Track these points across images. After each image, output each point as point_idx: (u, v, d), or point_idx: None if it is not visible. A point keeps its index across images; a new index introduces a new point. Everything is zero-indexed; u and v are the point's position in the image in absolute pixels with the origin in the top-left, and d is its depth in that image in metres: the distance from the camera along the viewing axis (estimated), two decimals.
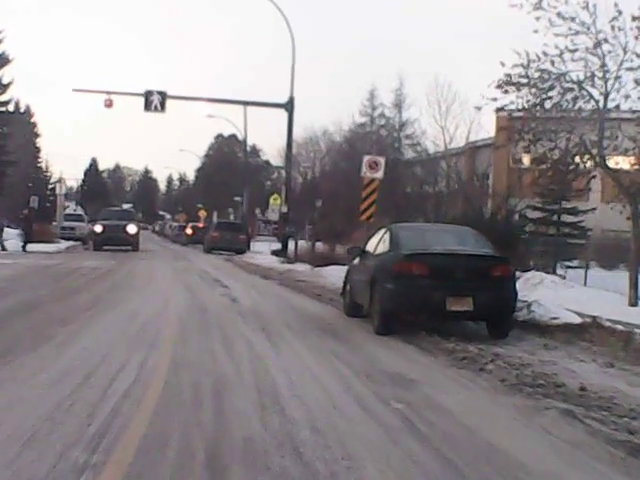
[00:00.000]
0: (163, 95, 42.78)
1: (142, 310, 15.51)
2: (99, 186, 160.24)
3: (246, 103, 46.82)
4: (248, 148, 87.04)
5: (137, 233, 46.62)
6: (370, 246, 16.12)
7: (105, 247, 46.13)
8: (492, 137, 46.06)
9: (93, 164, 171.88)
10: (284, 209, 43.89)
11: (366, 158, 24.44)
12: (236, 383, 8.79)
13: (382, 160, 24.43)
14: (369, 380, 9.48)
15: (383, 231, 15.89)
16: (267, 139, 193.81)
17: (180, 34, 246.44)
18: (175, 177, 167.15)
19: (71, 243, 49.13)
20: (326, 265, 29.96)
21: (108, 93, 42.78)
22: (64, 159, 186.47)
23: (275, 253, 44.46)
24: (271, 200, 55.37)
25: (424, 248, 14.28)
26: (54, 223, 54.10)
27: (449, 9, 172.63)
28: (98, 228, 46.01)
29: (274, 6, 42.02)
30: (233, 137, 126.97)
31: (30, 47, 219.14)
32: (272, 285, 25.31)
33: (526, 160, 28.19)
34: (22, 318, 13.60)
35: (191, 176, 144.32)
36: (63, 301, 16.76)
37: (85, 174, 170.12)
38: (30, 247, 41.17)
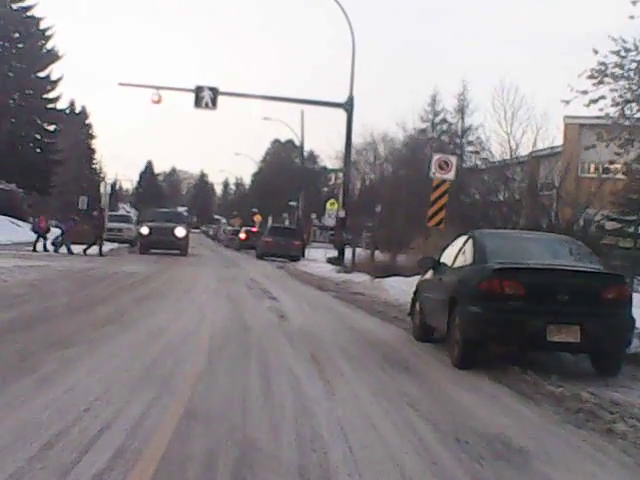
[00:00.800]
0: (214, 91, 40.25)
1: (168, 329, 12.84)
2: (154, 189, 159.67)
3: (303, 102, 44.07)
4: (305, 154, 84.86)
5: (186, 236, 44.05)
6: (447, 257, 13.25)
7: (152, 250, 43.83)
8: (559, 145, 43.25)
9: (149, 166, 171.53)
10: (341, 214, 41.12)
11: (436, 157, 21.66)
12: (270, 457, 6.00)
13: (453, 160, 21.66)
14: (460, 448, 6.68)
15: (463, 239, 12.93)
16: (324, 145, 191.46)
17: (232, 33, 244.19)
18: (232, 181, 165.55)
19: (116, 245, 46.66)
20: (387, 276, 27.10)
21: (156, 88, 40.37)
22: (120, 161, 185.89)
23: (331, 261, 41.71)
24: (327, 205, 52.68)
25: (518, 261, 11.31)
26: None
27: (516, 8, 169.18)
28: (144, 230, 43.57)
29: (334, 2, 39.21)
30: (290, 142, 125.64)
31: (87, 48, 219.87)
32: (327, 298, 22.59)
33: (613, 166, 25.30)
34: (16, 336, 10.93)
35: (247, 180, 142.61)
36: (78, 314, 14.13)
37: (140, 176, 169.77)
38: (74, 249, 38.93)
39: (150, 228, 43.43)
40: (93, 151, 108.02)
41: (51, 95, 65.78)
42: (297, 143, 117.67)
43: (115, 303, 16.39)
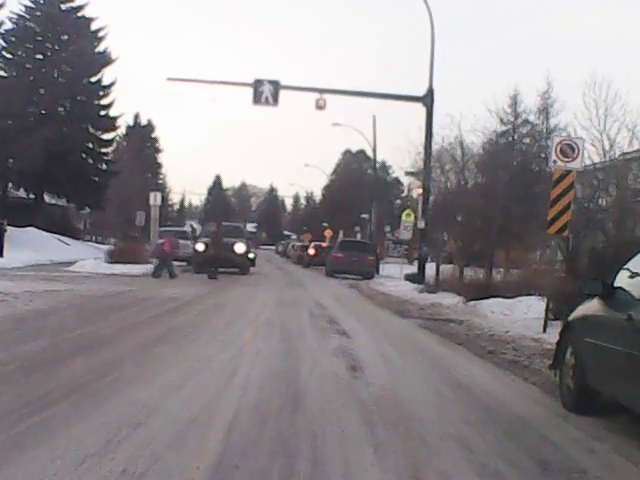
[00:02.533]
0: (275, 85, 35.43)
1: (163, 408, 7.65)
2: (223, 204, 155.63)
3: (376, 95, 38.83)
4: (377, 164, 79.77)
5: (245, 252, 39.14)
6: (632, 280, 7.93)
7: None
8: None
9: (217, 181, 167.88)
10: (421, 225, 35.87)
11: (557, 140, 16.30)
12: None
13: (580, 144, 16.24)
14: None
15: None
16: (397, 155, 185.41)
17: (291, 27, 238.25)
18: (302, 195, 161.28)
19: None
20: (483, 298, 21.85)
21: (209, 83, 35.69)
22: (188, 178, 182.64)
23: (410, 278, 36.48)
24: (403, 216, 47.29)
25: None
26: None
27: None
28: (199, 246, 38.69)
29: None
30: (361, 153, 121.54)
31: (152, 64, 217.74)
32: (413, 329, 17.41)
33: None
34: None
35: (318, 194, 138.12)
36: (37, 372, 9.08)
37: (209, 192, 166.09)
38: (114, 268, 34.30)
39: (206, 244, 38.65)
40: (159, 165, 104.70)
41: (104, 101, 61.53)
42: (368, 152, 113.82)
43: (114, 349, 11.33)
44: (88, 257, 40.52)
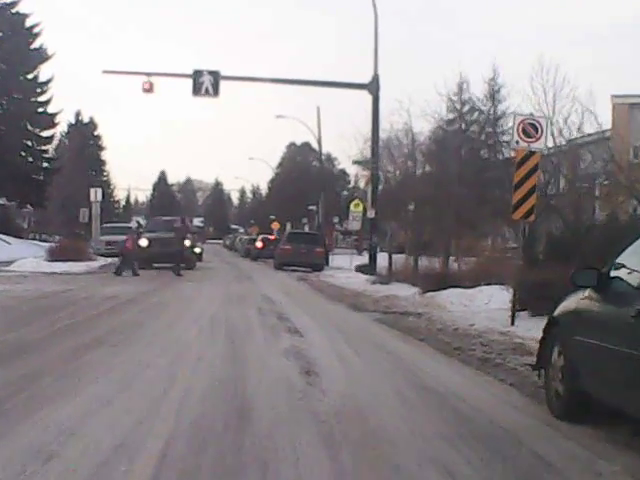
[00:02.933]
0: (215, 75, 34.10)
1: (94, 418, 6.54)
2: (169, 199, 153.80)
3: (320, 84, 37.56)
4: (322, 156, 78.60)
5: (190, 247, 37.78)
6: (630, 272, 6.81)
7: (155, 265, 37.59)
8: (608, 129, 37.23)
9: (162, 177, 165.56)
10: (371, 214, 34.82)
11: (519, 119, 15.22)
12: None
13: (544, 122, 15.21)
14: None
15: None
16: (342, 145, 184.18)
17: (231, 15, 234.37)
18: (248, 190, 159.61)
19: (110, 261, 40.13)
20: (441, 289, 20.76)
21: (147, 74, 34.20)
22: (133, 175, 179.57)
23: (361, 269, 35.44)
24: (352, 206, 46.21)
25: None
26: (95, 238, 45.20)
27: None
28: (143, 242, 37.17)
29: None
30: (306, 145, 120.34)
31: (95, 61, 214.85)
32: (369, 324, 16.27)
33: None
34: None
35: (264, 188, 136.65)
36: None
37: (154, 188, 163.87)
38: (55, 266, 32.82)
39: (149, 240, 37.22)
40: (103, 162, 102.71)
41: (41, 98, 59.60)
42: (314, 145, 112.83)
43: (38, 358, 10.05)
44: (30, 256, 38.84)
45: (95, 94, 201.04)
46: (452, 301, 19.53)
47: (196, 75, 33.92)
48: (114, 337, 12.39)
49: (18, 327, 13.37)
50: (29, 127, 59.28)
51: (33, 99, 58.99)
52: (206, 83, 33.88)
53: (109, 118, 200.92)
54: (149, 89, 33.95)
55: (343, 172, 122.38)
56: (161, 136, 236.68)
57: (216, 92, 34.07)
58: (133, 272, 31.21)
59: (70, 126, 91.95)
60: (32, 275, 29.15)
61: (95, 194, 39.36)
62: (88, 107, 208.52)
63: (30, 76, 58.49)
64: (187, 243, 36.84)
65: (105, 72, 34.98)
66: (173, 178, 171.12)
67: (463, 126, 68.56)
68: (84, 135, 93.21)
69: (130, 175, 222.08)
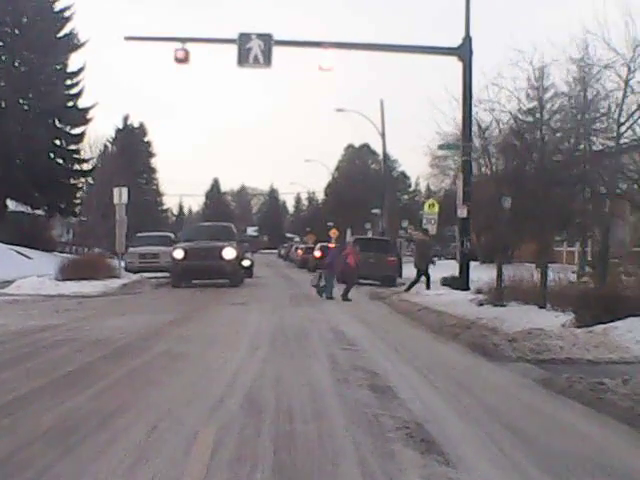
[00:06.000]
0: (267, 39, 26.85)
1: None
2: (222, 208, 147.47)
3: (398, 48, 29.85)
4: (381, 158, 71.48)
5: (236, 259, 30.59)
6: None
7: (194, 281, 30.57)
8: None
9: (215, 185, 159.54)
10: (462, 213, 27.27)
11: None
12: None
13: None
14: None
15: None
16: (404, 148, 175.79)
17: None
18: (304, 197, 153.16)
19: (137, 278, 32.92)
20: (609, 318, 13.17)
21: (181, 40, 27.08)
22: (184, 184, 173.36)
23: (448, 283, 27.93)
24: (425, 207, 38.81)
25: None
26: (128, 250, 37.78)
27: None
28: (178, 253, 30.17)
29: None
30: (365, 147, 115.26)
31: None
32: (540, 400, 8.71)
33: None
34: None
35: (321, 194, 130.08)
36: None
37: (206, 196, 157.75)
38: (64, 287, 25.94)
39: (185, 250, 30.15)
40: (153, 170, 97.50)
41: (71, 91, 52.86)
42: (373, 147, 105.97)
43: None
44: (47, 273, 31.87)
45: (146, 102, 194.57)
46: (638, 339, 12.10)
47: (242, 40, 26.69)
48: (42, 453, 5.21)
49: None
50: (58, 124, 52.49)
51: (64, 92, 52.14)
52: (255, 49, 26.67)
53: (158, 125, 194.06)
54: (183, 59, 26.86)
55: (403, 175, 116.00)
56: (213, 144, 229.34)
57: (268, 60, 26.82)
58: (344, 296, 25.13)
59: (118, 131, 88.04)
60: (27, 299, 22.51)
61: (119, 194, 32.22)
62: (139, 114, 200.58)
63: (59, 66, 51.65)
64: (232, 254, 29.75)
65: (128, 39, 27.85)
66: (226, 186, 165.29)
67: (546, 116, 59.90)
68: (133, 140, 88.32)
69: (182, 185, 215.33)
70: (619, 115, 33.68)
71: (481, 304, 19.97)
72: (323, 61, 27.20)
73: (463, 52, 27.12)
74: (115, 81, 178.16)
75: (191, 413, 7.53)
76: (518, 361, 11.36)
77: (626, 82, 32.55)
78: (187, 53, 26.88)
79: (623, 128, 32.90)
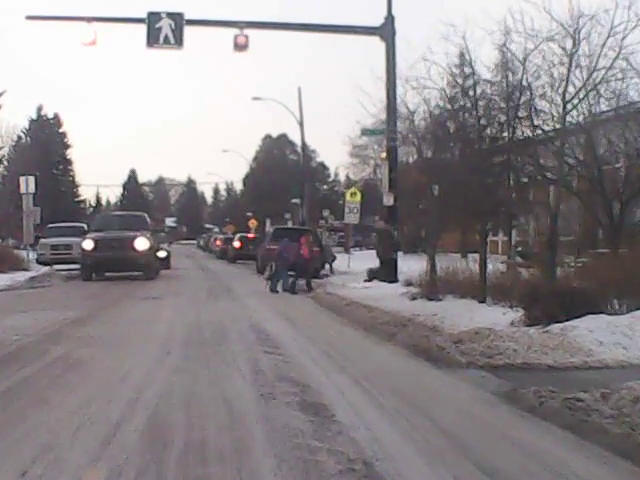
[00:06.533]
0: (178, 18, 25.23)
1: None
2: (140, 199, 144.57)
3: (316, 27, 28.17)
4: (299, 149, 70.11)
5: (150, 250, 28.70)
6: None
7: (107, 273, 28.69)
8: None
9: (132, 176, 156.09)
10: (389, 201, 26.03)
11: None
12: None
13: None
14: None
15: None
16: (323, 138, 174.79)
17: None
18: (222, 188, 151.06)
19: (47, 270, 30.85)
20: (565, 316, 11.77)
21: (87, 20, 25.25)
22: (101, 175, 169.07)
23: (374, 275, 26.53)
24: (347, 195, 37.20)
25: None
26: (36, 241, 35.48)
27: None
28: (88, 244, 28.18)
29: None
30: (283, 137, 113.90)
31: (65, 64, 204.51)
32: (499, 417, 7.29)
33: None
34: None
35: (239, 184, 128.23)
36: None
37: (124, 187, 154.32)
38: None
39: (95, 241, 28.18)
40: (69, 161, 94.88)
41: None
42: (291, 137, 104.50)
43: None
44: None
45: (57, 92, 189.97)
46: (599, 339, 10.78)
47: (152, 19, 24.99)
48: None
49: None
50: None
51: None
52: (165, 29, 24.99)
53: (75, 117, 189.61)
54: (92, 42, 25.17)
55: (322, 165, 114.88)
56: (130, 136, 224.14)
57: (179, 41, 25.19)
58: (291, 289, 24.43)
59: (32, 122, 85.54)
60: None
61: (26, 183, 30.15)
62: (55, 106, 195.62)
63: None
64: (145, 245, 27.94)
65: (29, 18, 25.81)
66: (144, 177, 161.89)
67: (468, 104, 58.90)
68: (47, 131, 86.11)
69: (99, 177, 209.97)
70: (564, 92, 32.45)
71: (414, 298, 18.63)
72: (238, 39, 25.57)
73: (385, 32, 25.80)
74: (28, 71, 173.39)
75: (77, 448, 5.89)
76: (469, 367, 9.94)
77: (571, 56, 31.40)
78: (95, 35, 25.20)
79: (569, 106, 31.73)
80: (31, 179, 30.37)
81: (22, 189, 30.53)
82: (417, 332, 12.72)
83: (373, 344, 12.46)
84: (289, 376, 8.98)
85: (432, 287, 18.84)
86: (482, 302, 16.24)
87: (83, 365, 9.71)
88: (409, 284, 21.84)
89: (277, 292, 23.70)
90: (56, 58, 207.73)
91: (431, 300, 17.67)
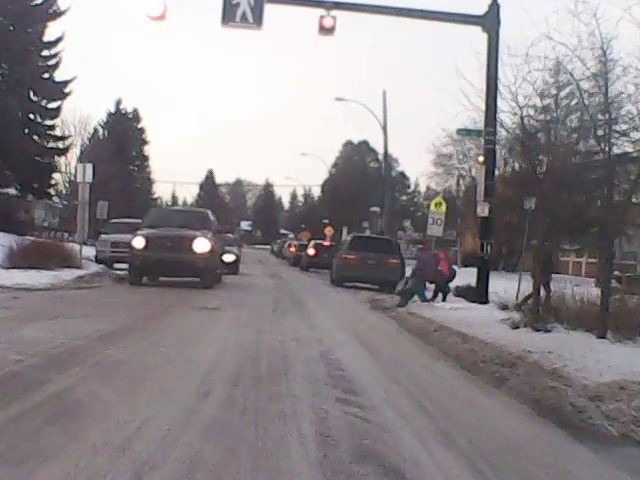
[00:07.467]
0: None
1: None
2: (216, 200, 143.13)
3: (411, 13, 25.02)
4: (380, 156, 67.69)
5: (211, 253, 25.46)
6: None
7: (161, 278, 25.79)
8: None
9: (209, 176, 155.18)
10: (483, 211, 23.00)
11: None
12: None
13: None
14: None
15: None
16: (404, 147, 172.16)
17: None
18: (300, 193, 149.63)
19: (99, 269, 28.31)
20: None
21: None
22: (178, 175, 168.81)
23: (463, 294, 23.62)
24: (431, 206, 34.07)
25: None
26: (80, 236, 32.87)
27: None
28: (138, 242, 24.90)
29: None
30: (364, 144, 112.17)
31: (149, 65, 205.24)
32: None
33: None
34: None
35: (316, 190, 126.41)
36: None
37: (201, 187, 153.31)
38: (7, 277, 21.45)
39: (147, 238, 24.94)
40: (146, 158, 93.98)
41: (49, 62, 48.29)
42: (372, 144, 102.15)
43: None
44: None
45: (135, 86, 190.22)
46: None
47: None
48: None
49: None
50: (32, 96, 47.90)
51: (38, 63, 47.57)
52: (243, 6, 22.36)
53: (153, 114, 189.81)
54: (161, 16, 22.78)
55: (402, 175, 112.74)
56: (209, 136, 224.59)
57: (257, 19, 22.50)
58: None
59: (109, 115, 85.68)
60: None
61: (84, 171, 27.64)
62: (129, 98, 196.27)
63: (34, 34, 47.09)
64: (206, 246, 25.05)
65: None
66: (221, 178, 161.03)
67: (560, 115, 55.24)
68: (125, 126, 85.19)
69: (176, 175, 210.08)
70: None
71: (516, 327, 15.51)
72: (324, 21, 22.80)
73: (489, 22, 22.82)
74: (108, 65, 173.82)
75: None
76: (625, 445, 6.93)
77: None
78: (165, 8, 22.79)
79: None
80: (89, 166, 27.81)
81: (79, 177, 28.05)
82: (534, 378, 9.69)
83: (479, 392, 9.47)
84: (372, 450, 6.08)
85: (538, 315, 15.77)
86: (602, 337, 13.20)
87: (78, 414, 6.88)
88: (504, 307, 18.95)
89: (403, 306, 20.91)
90: (131, 52, 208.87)
91: (538, 331, 14.57)
